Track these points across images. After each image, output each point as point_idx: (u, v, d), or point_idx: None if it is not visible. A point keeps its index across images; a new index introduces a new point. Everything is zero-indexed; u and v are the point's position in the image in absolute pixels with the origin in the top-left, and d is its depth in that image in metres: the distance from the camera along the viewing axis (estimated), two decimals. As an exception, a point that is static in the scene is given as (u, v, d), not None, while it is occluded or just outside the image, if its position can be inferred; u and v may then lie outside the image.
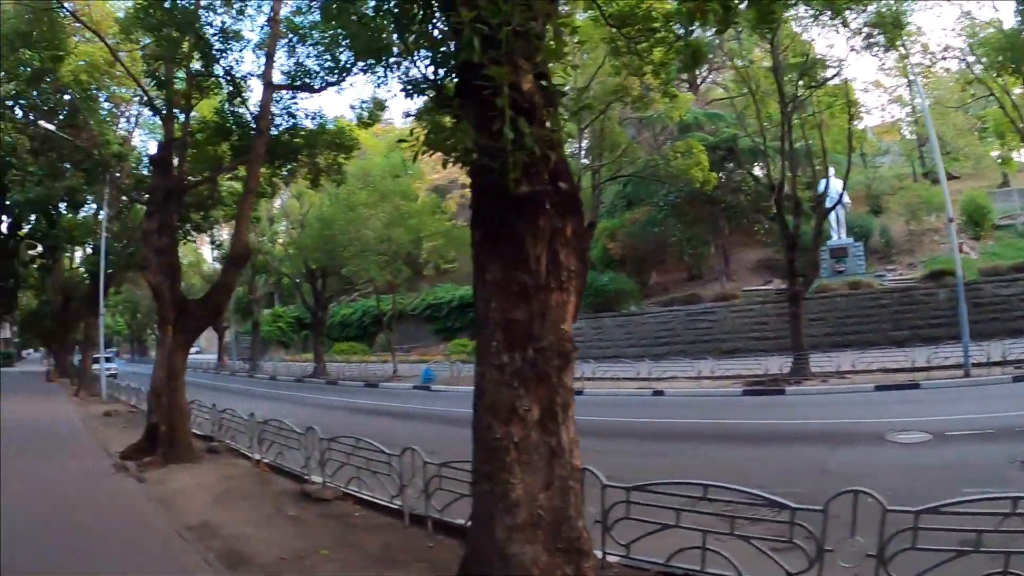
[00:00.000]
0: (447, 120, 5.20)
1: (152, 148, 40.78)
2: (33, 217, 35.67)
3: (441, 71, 5.71)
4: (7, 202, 33.73)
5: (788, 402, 19.13)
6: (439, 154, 5.14)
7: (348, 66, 14.88)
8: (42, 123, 29.19)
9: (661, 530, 5.73)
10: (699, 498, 5.64)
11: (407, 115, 16.28)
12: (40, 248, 38.06)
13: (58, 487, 11.30)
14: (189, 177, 16.42)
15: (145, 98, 17.48)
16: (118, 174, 27.31)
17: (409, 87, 6.26)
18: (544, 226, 4.88)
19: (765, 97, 24.77)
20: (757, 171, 37.49)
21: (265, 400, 27.31)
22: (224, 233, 43.02)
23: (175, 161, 15.10)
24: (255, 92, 47.45)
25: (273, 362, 54.30)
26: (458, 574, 5.38)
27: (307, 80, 15.58)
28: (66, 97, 29.46)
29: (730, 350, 32.41)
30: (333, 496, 9.15)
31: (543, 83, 5.16)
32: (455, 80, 5.49)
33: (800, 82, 22.66)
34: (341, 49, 14.53)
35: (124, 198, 33.17)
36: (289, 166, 17.25)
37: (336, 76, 15.37)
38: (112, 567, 6.92)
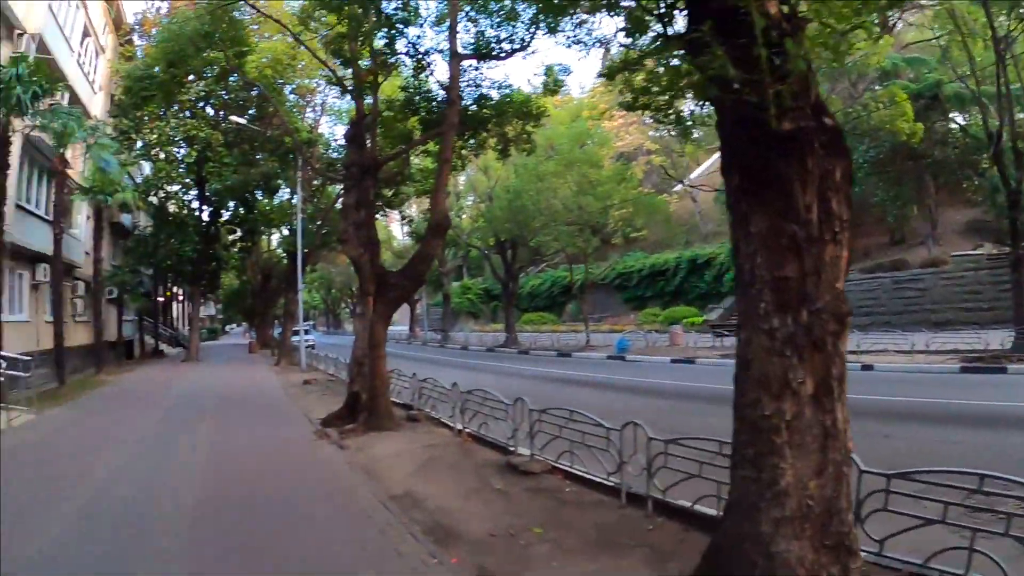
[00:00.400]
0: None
1: (338, 133, 42.50)
2: (232, 204, 37.76)
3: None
4: (207, 192, 35.62)
5: (1012, 382, 17.12)
6: (621, 120, 4.49)
7: (534, 30, 14.54)
8: (233, 118, 30.83)
9: (924, 525, 4.92)
10: (973, 491, 4.75)
11: (599, 76, 15.70)
12: (239, 232, 40.46)
13: (264, 452, 11.67)
14: (381, 153, 16.51)
15: (333, 78, 17.81)
16: (307, 159, 28.41)
17: (631, 25, 5.62)
18: (813, 168, 4.14)
19: (971, 35, 22.34)
20: (963, 120, 34.46)
21: (458, 369, 27.56)
22: (413, 209, 44.19)
23: (367, 138, 15.17)
24: (438, 67, 48.26)
25: (464, 332, 55.33)
26: (701, 569, 4.80)
27: (492, 49, 15.34)
28: (253, 92, 31.07)
29: (941, 321, 29.80)
30: (541, 470, 8.72)
31: (785, 8, 4.44)
32: (685, 13, 4.86)
33: (1011, 15, 20.22)
34: (524, 12, 14.22)
35: (316, 182, 34.62)
36: (477, 138, 17.11)
37: (520, 42, 15.05)
38: (317, 537, 6.86)
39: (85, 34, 29.38)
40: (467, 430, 11.74)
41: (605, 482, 7.76)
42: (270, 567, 6.09)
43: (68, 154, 23.40)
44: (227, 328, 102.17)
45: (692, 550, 5.68)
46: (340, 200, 34.43)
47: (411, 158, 21.82)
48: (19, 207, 21.63)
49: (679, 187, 48.97)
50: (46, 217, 24.31)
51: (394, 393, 15.26)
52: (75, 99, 26.48)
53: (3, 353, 16.14)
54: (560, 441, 8.68)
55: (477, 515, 7.33)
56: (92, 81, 30.87)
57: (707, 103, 4.59)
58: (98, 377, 27.07)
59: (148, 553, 6.52)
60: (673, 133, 43.53)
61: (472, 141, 17.20)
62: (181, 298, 65.54)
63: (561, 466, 8.64)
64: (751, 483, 4.32)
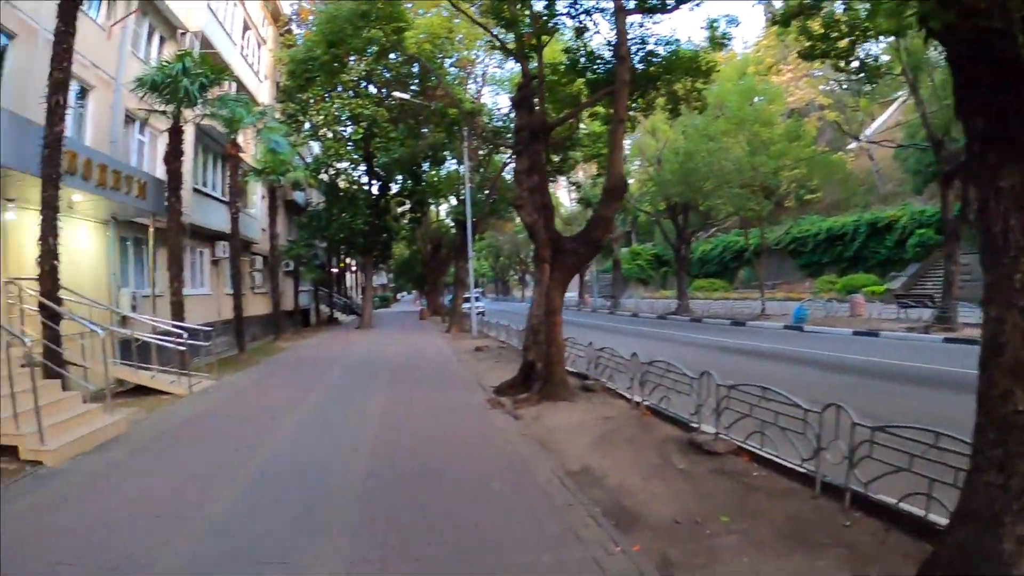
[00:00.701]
0: None
1: (502, 102, 42.34)
2: (400, 177, 38.84)
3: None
4: (375, 167, 36.65)
5: None
6: (790, 74, 3.79)
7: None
8: (396, 94, 31.55)
9: None
10: None
11: (772, 23, 14.71)
12: (408, 204, 41.49)
13: (436, 420, 11.73)
14: (549, 118, 16.18)
15: (495, 44, 17.71)
16: (473, 129, 28.57)
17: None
18: (1072, 109, 3.41)
19: None
20: None
21: (629, 336, 27.25)
22: (580, 175, 43.84)
23: (535, 101, 14.84)
24: (600, 27, 47.78)
25: (634, 299, 54.66)
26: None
27: (656, 1, 14.67)
28: (414, 68, 31.68)
29: None
30: (726, 450, 8.16)
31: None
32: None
33: None
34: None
35: (482, 151, 34.96)
36: (646, 97, 16.51)
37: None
38: (491, 514, 6.69)
39: (245, 28, 31.13)
40: (646, 403, 11.28)
41: (797, 468, 7.13)
42: (442, 545, 5.94)
43: (239, 139, 24.84)
44: (398, 296, 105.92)
45: (895, 554, 5.19)
46: (507, 169, 34.79)
47: (579, 123, 21.37)
48: (196, 191, 23.42)
49: (855, 144, 45.72)
50: (222, 198, 26.04)
51: (568, 362, 14.93)
52: (242, 88, 28.31)
53: (185, 324, 17.30)
54: (748, 420, 8.08)
55: (659, 497, 6.96)
56: (257, 71, 32.84)
57: (928, 37, 3.85)
58: (276, 344, 28.86)
59: (317, 522, 6.61)
60: (845, 86, 40.83)
61: (640, 101, 16.62)
62: (354, 268, 68.16)
63: (749, 447, 8.05)
64: (995, 491, 3.66)
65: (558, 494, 7.21)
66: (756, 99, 35.39)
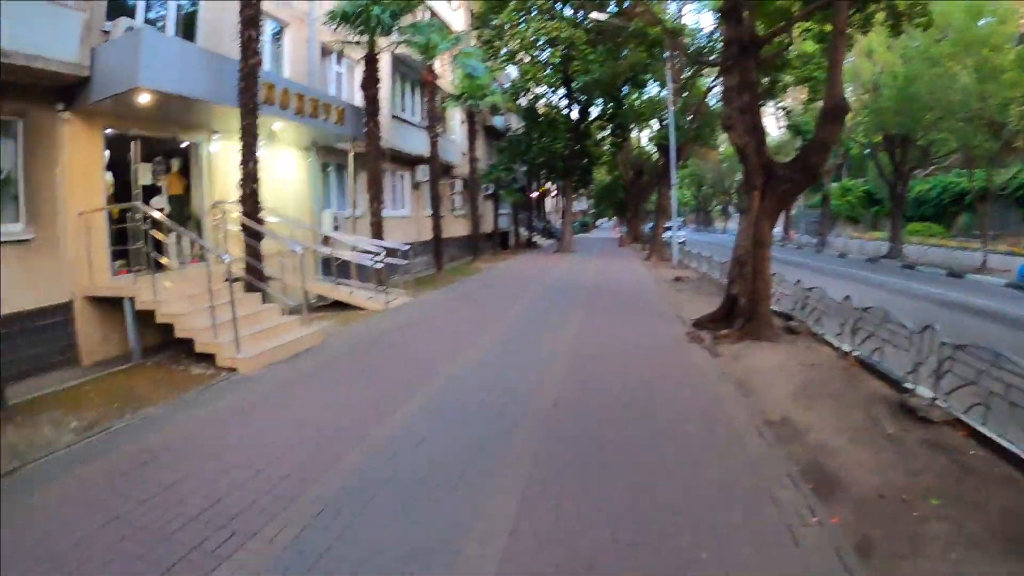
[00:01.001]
0: None
1: (704, 21, 41.03)
2: (600, 101, 38.32)
3: None
4: (574, 91, 36.77)
5: None
6: None
7: None
8: (594, 15, 30.89)
9: None
10: None
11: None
12: (609, 128, 40.85)
13: (631, 350, 11.57)
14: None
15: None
16: (676, 52, 27.65)
17: None
18: None
19: None
20: None
21: (835, 278, 25.63)
22: (789, 101, 41.64)
23: (744, 13, 13.73)
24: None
25: (842, 239, 51.50)
26: None
27: None
28: None
29: None
30: (941, 419, 7.29)
31: None
32: None
33: None
34: None
35: (685, 74, 34.08)
36: (864, 11, 15.02)
37: None
38: (679, 459, 6.42)
39: (435, -44, 31.20)
40: (855, 353, 10.45)
41: (1022, 455, 6.18)
42: (624, 491, 5.69)
43: (436, 66, 25.45)
44: (598, 222, 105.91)
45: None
46: (711, 93, 33.51)
47: (790, 41, 19.87)
48: (395, 117, 24.27)
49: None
50: (421, 124, 26.76)
51: (772, 300, 14.07)
52: (435, 16, 28.57)
53: (384, 243, 18.19)
54: (972, 389, 7.16)
55: (863, 464, 6.31)
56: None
57: None
58: (473, 265, 30.08)
59: (494, 451, 6.63)
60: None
61: (857, 16, 15.11)
62: (554, 193, 68.41)
63: (968, 421, 7.11)
64: None
65: (754, 445, 6.81)
66: (984, 20, 31.24)
